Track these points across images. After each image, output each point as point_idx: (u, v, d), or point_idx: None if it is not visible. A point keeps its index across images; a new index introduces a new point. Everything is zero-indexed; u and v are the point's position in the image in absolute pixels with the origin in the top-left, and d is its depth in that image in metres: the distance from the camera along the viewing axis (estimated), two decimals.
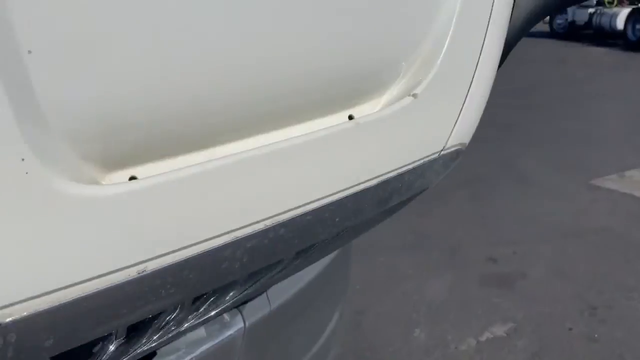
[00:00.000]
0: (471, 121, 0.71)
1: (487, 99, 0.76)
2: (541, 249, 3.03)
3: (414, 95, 0.56)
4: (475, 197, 3.73)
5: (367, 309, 2.49)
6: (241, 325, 1.20)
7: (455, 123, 0.65)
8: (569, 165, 4.37)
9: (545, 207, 3.57)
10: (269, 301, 1.25)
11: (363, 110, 0.56)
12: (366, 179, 0.55)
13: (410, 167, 0.59)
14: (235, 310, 1.21)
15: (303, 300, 1.34)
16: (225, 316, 1.22)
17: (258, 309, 1.23)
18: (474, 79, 0.65)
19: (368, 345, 2.25)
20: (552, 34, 13.45)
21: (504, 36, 0.70)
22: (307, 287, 1.34)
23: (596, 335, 2.28)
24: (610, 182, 3.96)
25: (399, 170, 0.58)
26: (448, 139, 0.65)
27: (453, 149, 0.68)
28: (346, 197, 0.54)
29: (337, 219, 0.55)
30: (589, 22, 12.35)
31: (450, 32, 0.57)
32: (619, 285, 2.64)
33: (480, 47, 0.63)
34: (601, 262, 2.86)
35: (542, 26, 14.18)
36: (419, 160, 0.61)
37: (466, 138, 0.73)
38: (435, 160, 0.65)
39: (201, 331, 1.18)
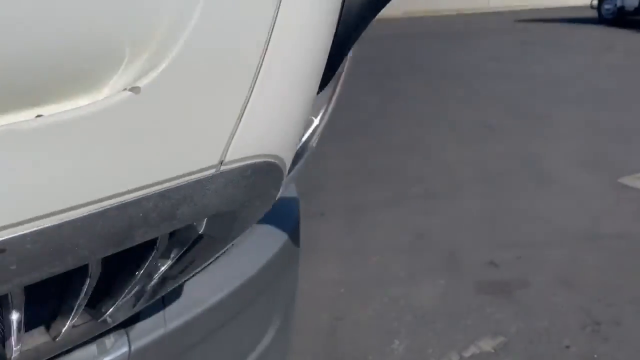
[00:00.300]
0: (276, 126, 0.52)
1: (305, 98, 0.58)
2: (550, 254, 2.78)
3: (135, 90, 0.39)
4: (487, 196, 3.48)
5: (347, 315, 2.32)
6: (125, 349, 1.04)
7: (236, 129, 0.47)
8: (596, 160, 4.05)
9: (564, 207, 3.30)
10: (164, 320, 1.09)
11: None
12: (64, 207, 0.38)
13: (152, 189, 0.42)
14: (121, 330, 1.06)
15: (215, 318, 1.17)
16: (111, 337, 1.07)
17: (150, 329, 1.07)
18: (260, 71, 0.46)
19: (339, 356, 2.08)
20: (600, 20, 12.78)
21: (326, 20, 0.51)
22: (222, 302, 1.18)
23: (595, 356, 2.05)
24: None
25: (132, 195, 0.41)
26: (226, 150, 0.47)
27: (247, 162, 0.50)
28: (25, 235, 0.38)
29: (14, 267, 0.39)
30: (638, 8, 11.65)
31: (201, 3, 0.40)
32: (630, 299, 2.38)
33: (267, 28, 0.45)
34: (615, 272, 2.60)
35: (590, 12, 13.53)
36: (169, 179, 0.43)
37: (277, 149, 0.55)
38: (211, 179, 0.47)
39: (88, 351, 1.04)
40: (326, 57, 0.59)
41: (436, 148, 4.39)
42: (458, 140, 4.58)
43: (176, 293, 1.15)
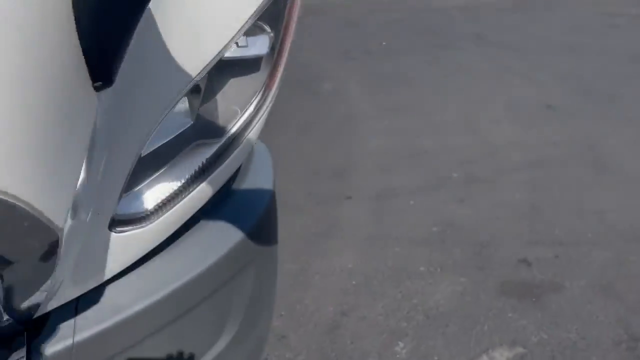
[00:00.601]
0: None
1: (23, 114, 0.42)
2: (594, 254, 2.49)
3: None
4: (534, 183, 3.18)
5: (354, 310, 2.16)
6: None
7: None
8: None
9: (618, 201, 2.96)
10: (74, 330, 0.99)
11: None
12: None
13: None
14: (20, 337, 0.97)
15: (139, 327, 1.06)
16: (12, 346, 0.98)
17: (55, 340, 0.97)
18: None
19: (336, 355, 1.94)
20: None
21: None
22: (149, 310, 1.06)
23: None
24: None
25: None
26: None
27: None
28: None
29: None
30: None
31: None
32: None
33: None
34: None
35: None
36: None
37: None
38: None
39: None
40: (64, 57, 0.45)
41: (487, 128, 4.08)
42: (513, 120, 4.24)
43: (93, 299, 1.04)
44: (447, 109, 4.53)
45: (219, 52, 0.79)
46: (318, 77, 5.40)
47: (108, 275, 0.97)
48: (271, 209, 1.39)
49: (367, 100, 4.79)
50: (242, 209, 1.29)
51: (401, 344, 1.98)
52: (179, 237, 1.15)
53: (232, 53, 0.86)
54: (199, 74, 0.78)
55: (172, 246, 1.13)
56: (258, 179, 1.40)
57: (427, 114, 4.44)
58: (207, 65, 0.79)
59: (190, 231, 1.17)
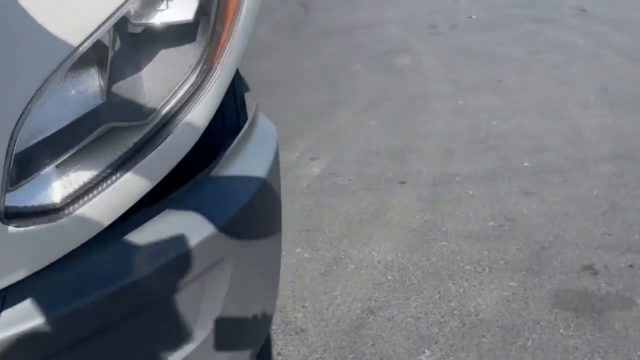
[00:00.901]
0: None
1: None
2: None
3: None
4: (617, 179, 2.80)
5: (383, 308, 1.98)
6: None
7: None
8: None
9: None
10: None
11: None
12: None
13: None
14: None
15: (75, 328, 0.95)
16: None
17: None
18: None
19: (354, 357, 1.78)
20: None
21: None
22: (91, 308, 0.95)
23: None
24: None
25: None
26: None
27: None
28: None
29: None
30: None
31: None
32: None
33: None
34: None
35: None
36: None
37: None
38: None
39: None
40: None
41: (574, 113, 3.66)
42: (605, 105, 3.78)
43: (23, 295, 0.94)
44: (532, 90, 4.13)
45: (111, 16, 0.64)
46: (397, 51, 5.13)
47: (26, 272, 0.87)
48: (259, 200, 1.24)
49: (445, 77, 4.48)
50: (218, 199, 1.14)
51: (427, 352, 1.78)
52: (135, 228, 1.03)
53: (145, 18, 0.70)
54: (82, 43, 0.63)
55: (125, 238, 1.01)
56: (248, 165, 1.25)
57: (507, 94, 4.07)
58: (93, 33, 0.64)
59: (149, 222, 1.05)
